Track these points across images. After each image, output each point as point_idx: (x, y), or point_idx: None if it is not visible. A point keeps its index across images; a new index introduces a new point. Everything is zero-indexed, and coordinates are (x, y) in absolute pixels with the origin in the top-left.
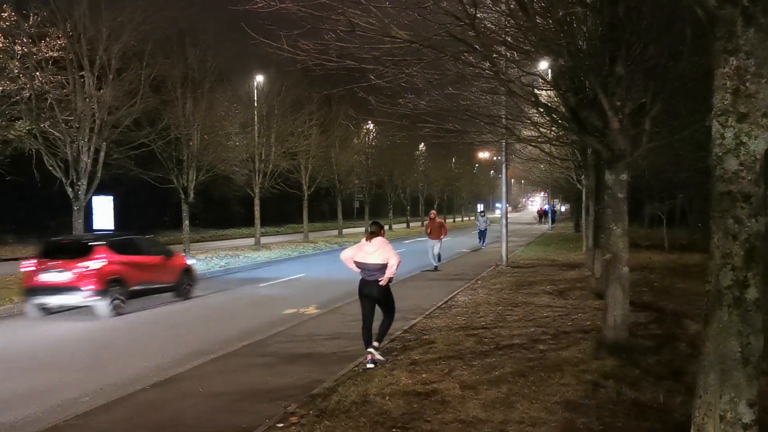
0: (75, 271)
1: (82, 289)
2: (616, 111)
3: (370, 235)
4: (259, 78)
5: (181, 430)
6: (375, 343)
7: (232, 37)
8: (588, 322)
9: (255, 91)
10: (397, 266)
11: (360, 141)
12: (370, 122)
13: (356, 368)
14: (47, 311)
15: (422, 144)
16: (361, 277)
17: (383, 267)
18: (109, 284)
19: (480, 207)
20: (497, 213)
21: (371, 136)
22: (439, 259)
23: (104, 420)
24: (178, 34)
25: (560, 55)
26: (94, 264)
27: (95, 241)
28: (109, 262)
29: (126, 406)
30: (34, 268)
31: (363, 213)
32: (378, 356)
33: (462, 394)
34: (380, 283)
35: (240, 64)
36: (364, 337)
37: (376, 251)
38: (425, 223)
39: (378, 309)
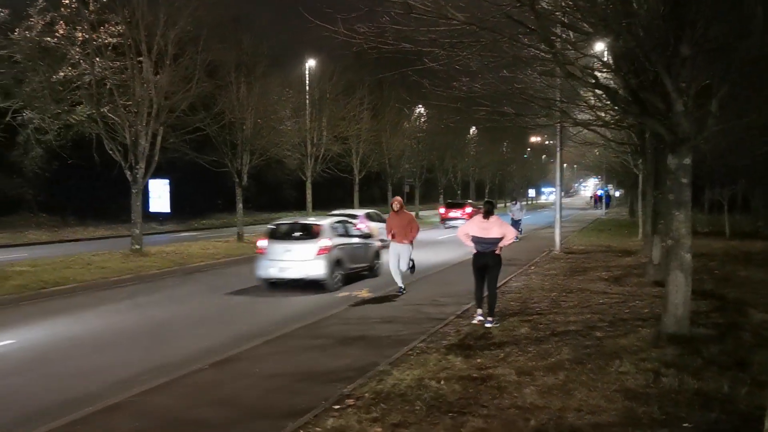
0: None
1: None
2: (680, 93)
3: (486, 213)
4: (311, 62)
5: (239, 409)
6: (489, 318)
7: (285, 22)
8: (646, 310)
9: (307, 75)
10: (512, 238)
11: (411, 125)
12: (420, 106)
13: (410, 352)
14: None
15: (473, 128)
16: (474, 251)
17: (499, 240)
18: (334, 264)
19: (515, 201)
20: (543, 198)
21: (422, 120)
22: (413, 269)
23: (164, 398)
24: (233, 20)
25: (621, 36)
26: (324, 243)
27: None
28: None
29: (185, 385)
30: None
31: (413, 197)
32: (495, 324)
33: (518, 380)
34: (495, 252)
35: (293, 49)
36: (476, 298)
37: (493, 227)
38: (387, 217)
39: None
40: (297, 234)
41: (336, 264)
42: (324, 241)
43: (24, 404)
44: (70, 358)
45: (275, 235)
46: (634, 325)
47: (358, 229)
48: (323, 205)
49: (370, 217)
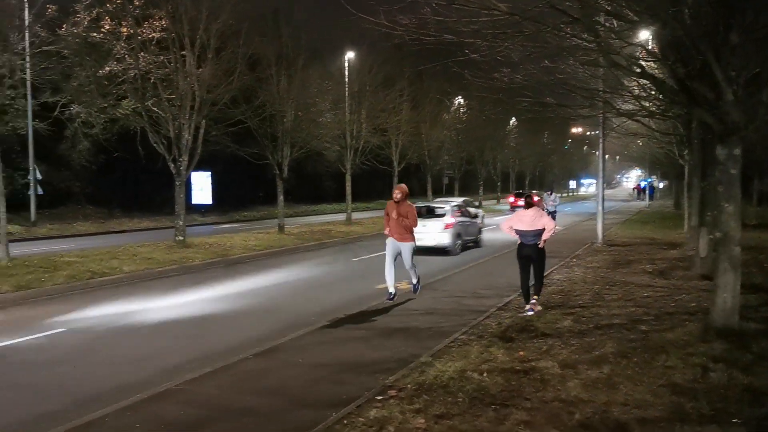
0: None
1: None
2: (729, 81)
3: (527, 206)
4: (351, 54)
5: (285, 398)
6: (534, 298)
7: (324, 14)
8: (693, 304)
9: (346, 67)
10: (554, 231)
11: (451, 116)
12: (460, 97)
13: (452, 344)
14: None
15: (513, 119)
16: (519, 243)
17: (541, 232)
18: (456, 236)
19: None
20: (583, 190)
21: (462, 111)
22: (417, 285)
23: (212, 386)
24: (273, 13)
25: (668, 23)
26: (448, 221)
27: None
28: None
29: (231, 374)
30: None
31: (452, 189)
32: (538, 307)
33: (562, 374)
34: (539, 246)
35: (332, 41)
36: (523, 290)
37: (535, 219)
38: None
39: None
40: (428, 214)
41: (457, 236)
42: (449, 219)
43: (74, 391)
44: (119, 347)
45: None
46: (680, 319)
47: (467, 211)
48: (362, 197)
49: (467, 204)
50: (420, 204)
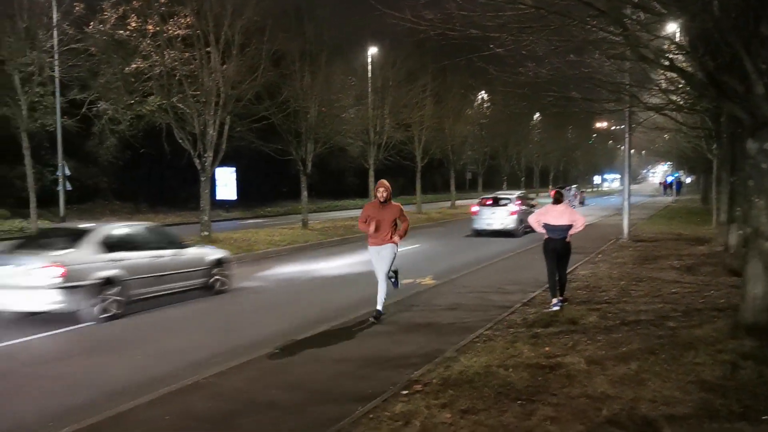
0: (504, 212)
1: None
2: (760, 74)
3: (555, 202)
4: (374, 50)
5: (310, 392)
6: (560, 298)
7: (347, 10)
8: (722, 300)
9: (369, 63)
10: (582, 226)
11: (475, 111)
12: (484, 92)
13: (476, 339)
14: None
15: (537, 114)
16: (546, 237)
17: (569, 227)
18: (519, 222)
19: (569, 187)
20: (606, 185)
21: (485, 106)
22: (396, 283)
23: (238, 379)
24: (296, 9)
25: (697, 15)
26: (513, 208)
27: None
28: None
29: (256, 368)
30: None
31: (476, 184)
32: (555, 306)
33: (588, 369)
34: (566, 240)
35: (355, 37)
36: (550, 285)
37: (563, 214)
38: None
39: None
40: (495, 203)
41: (520, 221)
42: (513, 207)
43: (103, 383)
44: (147, 341)
45: (482, 204)
46: (709, 316)
47: (527, 200)
48: None
49: (524, 196)
50: (487, 195)
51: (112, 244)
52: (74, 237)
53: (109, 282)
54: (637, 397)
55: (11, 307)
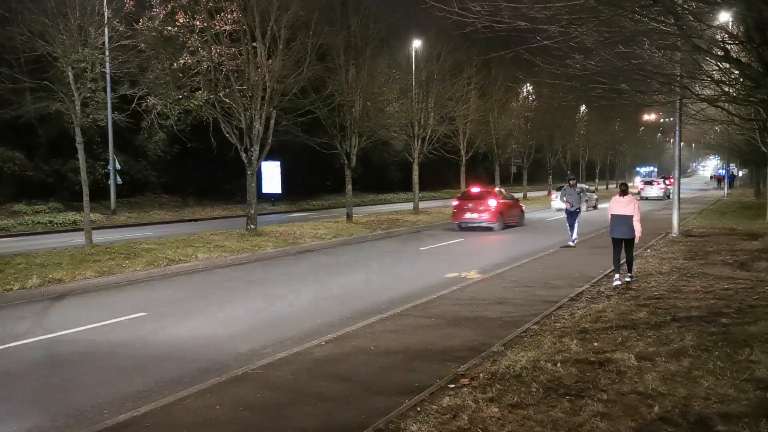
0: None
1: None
2: None
3: (622, 193)
4: (418, 43)
5: (359, 384)
6: (629, 274)
7: (392, 3)
8: None
9: (414, 56)
10: (640, 232)
11: (520, 104)
12: (529, 84)
13: (523, 334)
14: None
15: (583, 106)
16: (611, 226)
17: (631, 217)
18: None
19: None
20: (636, 181)
21: (531, 99)
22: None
23: (287, 370)
24: (342, 3)
25: (753, 4)
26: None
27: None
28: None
29: (305, 360)
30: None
31: (521, 178)
32: (626, 278)
33: (638, 366)
34: (630, 226)
35: (400, 30)
36: (614, 264)
37: (628, 205)
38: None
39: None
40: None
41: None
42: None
43: (151, 373)
44: (197, 330)
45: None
46: (764, 312)
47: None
48: (429, 186)
49: (582, 189)
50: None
51: None
52: None
53: None
54: (690, 394)
55: None
